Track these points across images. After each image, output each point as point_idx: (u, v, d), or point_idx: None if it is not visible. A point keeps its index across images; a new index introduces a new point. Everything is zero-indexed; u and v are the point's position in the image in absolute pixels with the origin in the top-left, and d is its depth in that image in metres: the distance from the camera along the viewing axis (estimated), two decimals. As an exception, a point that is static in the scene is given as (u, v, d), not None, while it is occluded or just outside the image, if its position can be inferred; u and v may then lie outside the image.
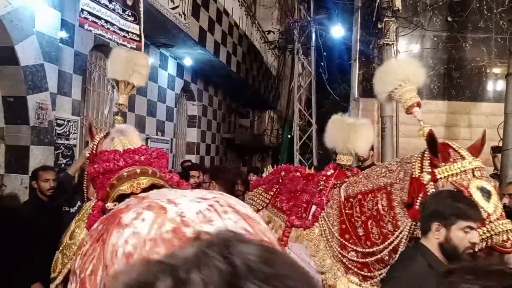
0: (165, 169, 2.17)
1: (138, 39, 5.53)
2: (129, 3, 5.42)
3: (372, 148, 5.66)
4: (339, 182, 3.07)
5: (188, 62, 8.85)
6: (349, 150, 3.20)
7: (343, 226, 2.84)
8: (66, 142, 5.41)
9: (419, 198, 2.40)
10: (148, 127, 7.73)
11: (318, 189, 3.14)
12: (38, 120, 4.70)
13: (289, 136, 16.90)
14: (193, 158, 9.95)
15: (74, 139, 5.55)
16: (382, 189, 2.66)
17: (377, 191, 2.69)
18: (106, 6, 4.96)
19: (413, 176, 2.48)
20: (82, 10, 4.56)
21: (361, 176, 2.90)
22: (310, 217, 3.06)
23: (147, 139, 7.59)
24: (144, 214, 1.41)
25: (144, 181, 1.91)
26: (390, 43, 7.08)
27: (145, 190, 1.85)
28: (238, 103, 13.99)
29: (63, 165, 5.19)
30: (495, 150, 6.52)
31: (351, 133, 3.16)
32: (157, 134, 8.06)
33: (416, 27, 7.49)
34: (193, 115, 10.31)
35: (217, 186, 3.56)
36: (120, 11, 5.20)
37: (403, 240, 2.50)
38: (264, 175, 3.97)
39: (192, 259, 0.58)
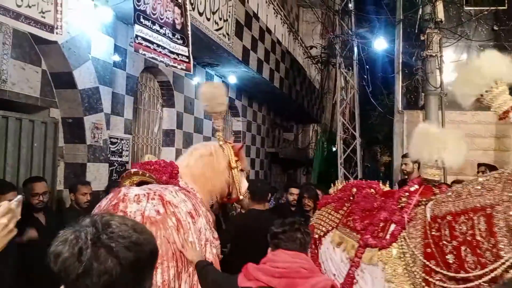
0: (167, 173, 3.04)
1: (187, 60, 5.72)
2: (178, 27, 5.69)
3: (417, 161, 5.55)
4: (424, 199, 2.76)
5: (232, 80, 9.04)
6: (437, 164, 2.78)
7: (428, 250, 2.51)
8: (119, 159, 5.70)
9: None
10: (195, 143, 7.94)
11: (399, 206, 2.84)
12: (94, 139, 5.01)
13: (333, 149, 16.85)
14: (238, 173, 10.08)
15: (126, 156, 5.83)
16: (478, 210, 2.33)
17: (471, 212, 2.36)
18: (157, 31, 5.22)
19: None
20: (137, 36, 4.79)
21: (450, 194, 2.58)
22: (387, 237, 2.77)
23: (194, 154, 7.80)
24: (109, 195, 2.71)
25: (135, 179, 2.92)
26: (434, 54, 7.00)
27: (138, 184, 2.88)
28: (282, 118, 14.08)
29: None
30: None
31: (439, 143, 2.74)
32: (203, 150, 8.26)
33: (461, 38, 7.35)
34: (237, 131, 10.46)
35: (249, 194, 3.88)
36: (170, 35, 5.45)
37: (505, 274, 2.16)
38: (331, 191, 3.65)
39: (83, 225, 1.06)
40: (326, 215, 3.39)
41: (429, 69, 7.05)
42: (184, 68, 5.71)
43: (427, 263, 2.49)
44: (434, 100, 7.09)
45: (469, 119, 7.33)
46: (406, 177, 5.83)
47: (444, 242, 2.45)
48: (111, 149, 5.48)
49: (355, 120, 9.41)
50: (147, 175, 2.92)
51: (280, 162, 13.63)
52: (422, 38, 7.03)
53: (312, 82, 14.34)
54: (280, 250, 2.13)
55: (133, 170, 2.97)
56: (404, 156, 5.92)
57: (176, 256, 2.48)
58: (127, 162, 5.83)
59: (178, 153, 7.33)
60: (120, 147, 5.70)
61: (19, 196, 1.47)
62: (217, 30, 7.00)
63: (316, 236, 3.37)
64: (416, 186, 2.87)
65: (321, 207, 3.55)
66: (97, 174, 5.04)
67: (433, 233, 2.53)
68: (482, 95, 2.43)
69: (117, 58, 5.62)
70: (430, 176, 2.82)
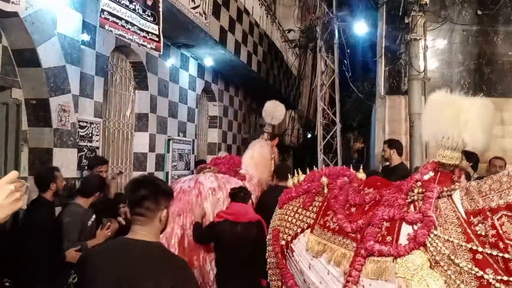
0: (227, 165, 4.94)
1: (157, 39, 5.48)
2: (149, 3, 5.36)
3: (395, 147, 5.32)
4: (446, 189, 2.28)
5: (208, 62, 8.78)
6: (458, 144, 2.32)
7: (479, 257, 1.99)
8: (89, 144, 5.36)
9: None
10: (170, 128, 7.67)
11: (409, 200, 2.37)
12: (61, 123, 4.65)
13: (308, 136, 16.77)
14: (215, 159, 9.88)
15: (96, 141, 5.50)
16: None
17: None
18: (126, 7, 4.90)
19: None
20: (103, 10, 4.52)
21: (482, 183, 2.13)
22: (402, 240, 2.25)
23: (169, 140, 7.53)
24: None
25: (205, 170, 4.80)
26: (418, 38, 6.88)
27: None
28: (258, 103, 13.88)
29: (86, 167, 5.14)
30: None
31: (462, 118, 2.28)
32: (178, 135, 7.99)
33: (445, 21, 7.24)
34: (214, 116, 10.25)
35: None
36: (140, 11, 5.14)
37: None
38: (290, 183, 3.22)
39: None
40: (292, 214, 2.92)
41: (413, 53, 6.93)
42: (154, 47, 5.45)
43: (482, 273, 1.96)
44: (417, 85, 6.98)
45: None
46: (388, 163, 5.73)
47: (498, 244, 1.95)
48: (80, 133, 5.15)
49: (335, 105, 9.28)
50: (212, 168, 4.85)
51: (256, 149, 13.46)
52: (406, 21, 6.89)
53: (290, 67, 14.15)
54: (233, 202, 3.99)
55: (204, 165, 5.06)
56: (384, 142, 5.80)
57: (192, 211, 4.18)
58: (97, 148, 5.50)
59: (152, 139, 7.04)
60: (90, 131, 5.36)
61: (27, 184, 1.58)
62: (193, 8, 6.66)
63: (282, 242, 2.92)
64: (431, 173, 2.41)
65: (283, 204, 3.06)
66: (65, 160, 4.69)
67: (479, 233, 2.02)
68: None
69: (85, 36, 5.25)
70: (447, 159, 2.35)
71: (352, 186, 2.80)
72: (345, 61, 9.28)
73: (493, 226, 1.99)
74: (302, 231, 2.81)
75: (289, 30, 13.03)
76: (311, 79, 14.41)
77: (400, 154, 5.43)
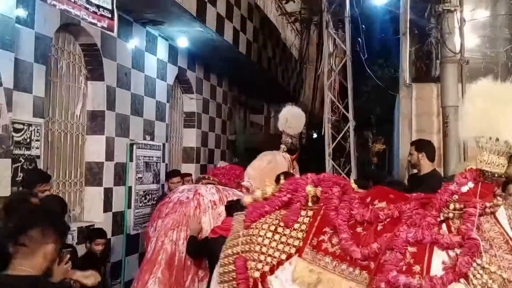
0: (228, 176, 5.82)
1: (110, 15, 5.54)
2: (101, -31, 5.40)
3: (422, 150, 5.39)
4: (489, 205, 2.33)
5: (183, 43, 8.80)
6: (505, 147, 2.32)
7: None
8: (27, 152, 5.35)
9: None
10: (133, 129, 7.66)
11: (441, 218, 2.39)
12: (-11, 125, 4.64)
13: (314, 136, 16.85)
14: (192, 168, 9.95)
15: (37, 148, 5.49)
16: None
17: None
18: (73, -26, 4.91)
19: None
20: None
21: None
22: (436, 270, 2.25)
23: (132, 145, 7.52)
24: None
25: (204, 181, 5.60)
26: (453, 9, 6.94)
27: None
28: (248, 95, 13.93)
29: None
30: None
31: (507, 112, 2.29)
32: (144, 139, 7.99)
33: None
34: (191, 112, 10.26)
35: None
36: (91, -19, 5.18)
37: None
38: (257, 195, 3.10)
39: None
40: (269, 235, 2.76)
41: (446, 29, 6.98)
42: (106, 26, 5.53)
43: None
44: (453, 70, 7.04)
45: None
46: (416, 170, 5.78)
47: None
48: (15, 138, 5.13)
49: (347, 96, 9.33)
50: (211, 178, 5.64)
51: (247, 153, 13.49)
52: (438, -13, 6.95)
53: (289, 48, 14.22)
54: (229, 216, 4.10)
55: (202, 175, 6.07)
56: (411, 143, 5.86)
57: (188, 225, 4.88)
58: (38, 157, 5.49)
59: (110, 144, 7.04)
60: (28, 135, 5.35)
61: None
62: (162, -27, 6.70)
63: (256, 274, 2.74)
64: (471, 184, 2.38)
65: (251, 222, 2.88)
66: (-5, 175, 4.67)
67: None
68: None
69: (21, 11, 5.25)
70: (491, 166, 2.33)
71: (354, 197, 2.73)
72: (360, 40, 9.33)
73: None
74: (289, 257, 2.67)
75: (287, 0, 13.12)
76: (316, 63, 14.47)
77: (431, 159, 5.48)
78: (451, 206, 2.36)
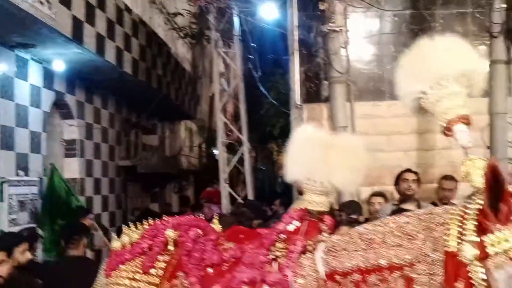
0: None
1: None
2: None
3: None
4: (311, 242, 2.55)
5: (59, 66, 8.63)
6: (327, 186, 2.63)
7: None
8: None
9: None
10: (4, 165, 7.41)
11: (271, 257, 2.58)
12: None
13: (215, 152, 16.99)
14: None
15: None
16: (396, 269, 2.20)
17: (387, 271, 2.22)
18: None
19: (448, 250, 2.05)
20: None
21: (356, 237, 2.39)
22: None
23: (2, 183, 7.28)
24: None
25: None
26: (338, 29, 7.29)
27: None
28: (139, 115, 13.85)
29: None
30: None
31: (331, 156, 2.59)
32: (17, 175, 7.74)
33: (371, 6, 7.77)
34: (71, 140, 10.05)
35: None
36: None
37: None
38: (116, 245, 3.25)
39: None
40: (127, 283, 2.96)
41: (332, 49, 7.34)
42: None
43: None
44: (341, 90, 7.37)
45: (385, 112, 7.76)
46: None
47: None
48: None
49: (241, 118, 9.54)
50: None
51: (139, 179, 13.41)
52: (321, 7, 7.29)
53: (181, 63, 14.32)
54: None
55: None
56: None
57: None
58: None
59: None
60: None
61: None
62: (29, -5, 6.56)
63: None
64: (297, 223, 2.63)
65: (111, 270, 3.09)
66: None
67: None
68: (424, 94, 2.31)
69: None
70: (316, 205, 2.63)
71: (210, 239, 2.92)
72: (251, 57, 9.58)
73: None
74: None
75: (176, 14, 13.21)
76: (210, 77, 14.67)
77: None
78: (278, 245, 2.56)
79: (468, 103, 2.31)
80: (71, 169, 10.00)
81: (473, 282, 1.95)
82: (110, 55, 9.24)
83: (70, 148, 10.01)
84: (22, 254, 4.76)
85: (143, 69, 11.09)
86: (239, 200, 9.40)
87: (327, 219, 2.69)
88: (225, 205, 9.24)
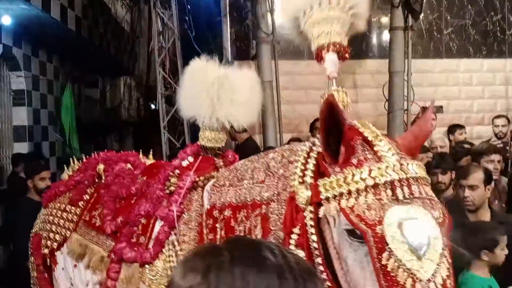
0: None
1: None
2: None
3: None
4: (202, 178, 2.46)
5: (7, 20, 8.82)
6: (220, 122, 2.58)
7: None
8: None
9: (293, 236, 1.78)
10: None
11: (167, 191, 2.52)
12: None
13: (152, 107, 17.31)
14: (25, 147, 10.08)
15: None
16: (256, 206, 2.01)
17: (250, 208, 2.03)
18: None
19: (291, 190, 1.84)
20: None
21: (234, 172, 2.24)
22: (151, 244, 2.42)
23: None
24: None
25: None
26: (264, -8, 7.91)
27: None
28: (82, 70, 14.05)
29: None
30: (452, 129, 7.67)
31: (223, 92, 2.53)
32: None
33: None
34: (19, 90, 10.25)
35: None
36: None
37: None
38: (64, 176, 3.31)
39: None
40: (59, 214, 3.01)
41: (259, 12, 8.06)
42: None
43: None
44: (267, 49, 8.19)
45: (304, 69, 8.62)
46: (236, 141, 6.88)
47: None
48: None
49: (178, 73, 10.09)
50: None
51: (82, 129, 13.68)
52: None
53: (120, 23, 14.57)
54: None
55: None
56: None
57: None
58: None
59: None
60: None
61: None
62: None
63: (45, 250, 3.04)
64: (190, 159, 2.60)
65: (48, 201, 3.17)
66: None
67: (209, 236, 2.19)
68: (304, 14, 2.16)
69: None
70: (210, 141, 2.62)
71: (131, 173, 2.94)
72: (187, 18, 10.11)
73: (226, 228, 2.13)
74: (70, 233, 2.91)
75: (116, -24, 13.44)
76: (148, 38, 14.96)
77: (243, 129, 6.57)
78: (172, 180, 2.53)
79: (346, 32, 2.17)
80: (19, 117, 10.26)
81: (307, 228, 1.74)
82: (55, 12, 9.44)
83: (18, 98, 10.25)
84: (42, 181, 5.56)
85: (86, 27, 11.30)
86: (178, 145, 10.03)
87: (231, 154, 2.68)
88: (165, 150, 9.91)
